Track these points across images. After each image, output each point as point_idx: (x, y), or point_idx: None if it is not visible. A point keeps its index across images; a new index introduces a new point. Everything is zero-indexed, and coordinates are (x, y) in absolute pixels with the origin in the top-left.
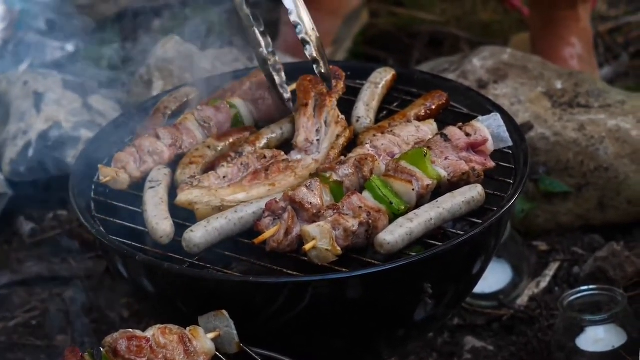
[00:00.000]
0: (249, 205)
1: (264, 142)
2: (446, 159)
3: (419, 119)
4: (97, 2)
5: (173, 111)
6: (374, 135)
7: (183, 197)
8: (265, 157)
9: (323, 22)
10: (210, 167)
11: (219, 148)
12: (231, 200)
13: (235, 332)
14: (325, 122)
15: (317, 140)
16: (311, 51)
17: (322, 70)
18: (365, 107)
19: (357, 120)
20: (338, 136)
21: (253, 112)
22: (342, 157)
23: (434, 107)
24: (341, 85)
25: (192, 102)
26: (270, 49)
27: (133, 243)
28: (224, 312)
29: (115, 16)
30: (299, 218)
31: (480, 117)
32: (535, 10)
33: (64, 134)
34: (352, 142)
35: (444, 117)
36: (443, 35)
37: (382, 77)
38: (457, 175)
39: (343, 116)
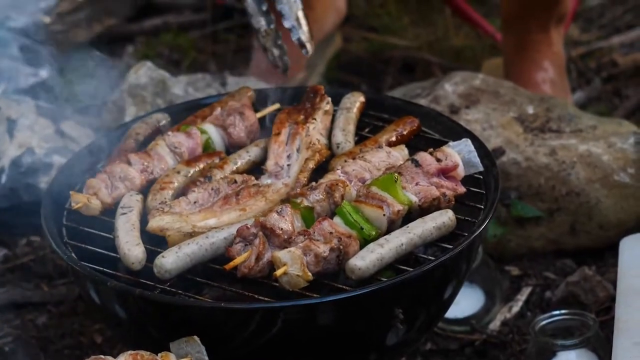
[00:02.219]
0: (220, 231)
1: (232, 166)
2: (417, 184)
3: (390, 144)
4: (70, 28)
5: (145, 137)
6: (345, 161)
7: (154, 223)
8: (235, 182)
9: (294, 46)
10: (181, 192)
11: (189, 174)
12: (202, 226)
13: (206, 358)
14: (297, 149)
15: (288, 165)
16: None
17: (298, 37)
18: (342, 133)
19: (338, 147)
20: (307, 160)
21: (224, 137)
22: (313, 183)
23: (405, 132)
24: (324, 106)
25: (164, 128)
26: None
27: (105, 269)
28: (196, 338)
29: (88, 42)
30: (270, 244)
31: (451, 143)
32: (508, 35)
33: (37, 160)
34: (324, 168)
35: (415, 143)
36: (415, 60)
37: (353, 102)
38: (428, 200)
39: (318, 139)
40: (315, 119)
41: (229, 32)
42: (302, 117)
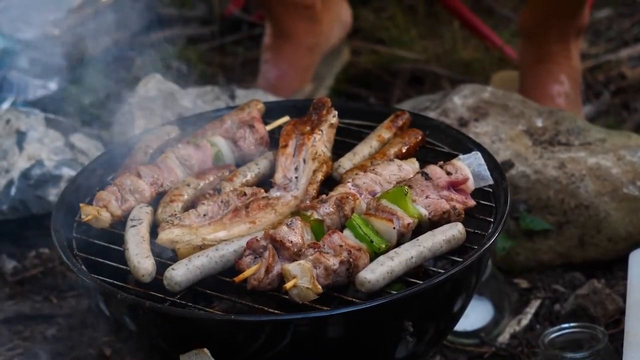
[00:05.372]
0: (230, 244)
1: (241, 179)
2: (427, 197)
3: (398, 157)
4: (79, 40)
5: (154, 149)
6: (356, 174)
7: (164, 236)
8: (245, 194)
9: (302, 58)
10: (191, 205)
11: (199, 186)
12: (212, 238)
13: None
14: (304, 160)
15: (296, 177)
16: None
17: None
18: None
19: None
20: (315, 172)
21: (234, 150)
22: (324, 196)
23: (410, 144)
24: (331, 119)
25: (174, 141)
26: None
27: (115, 281)
28: (206, 350)
29: (97, 55)
30: (280, 256)
31: (461, 156)
32: (526, 46)
33: (46, 173)
34: (331, 179)
35: (424, 156)
36: (424, 73)
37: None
38: (438, 213)
39: (323, 151)
40: (321, 131)
41: (237, 45)
42: (308, 128)
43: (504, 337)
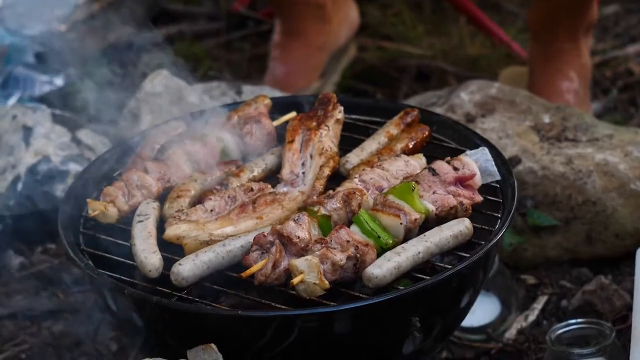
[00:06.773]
0: (237, 239)
1: (248, 174)
2: (434, 193)
3: (405, 152)
4: (85, 36)
5: (161, 145)
6: (363, 170)
7: (171, 231)
8: (252, 189)
9: (311, 57)
10: (198, 200)
11: (206, 182)
12: (219, 234)
13: None
14: (311, 156)
15: (303, 172)
16: None
17: None
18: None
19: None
20: (322, 167)
21: (240, 145)
22: (331, 191)
23: (417, 140)
24: (337, 114)
25: (180, 136)
26: None
27: (122, 277)
28: (213, 345)
29: (104, 50)
30: (287, 252)
31: (468, 151)
32: (535, 44)
33: (53, 168)
34: (338, 174)
35: (431, 151)
36: (431, 69)
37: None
38: (445, 209)
39: (330, 146)
40: (327, 126)
41: (244, 41)
42: (314, 123)
43: (511, 333)
